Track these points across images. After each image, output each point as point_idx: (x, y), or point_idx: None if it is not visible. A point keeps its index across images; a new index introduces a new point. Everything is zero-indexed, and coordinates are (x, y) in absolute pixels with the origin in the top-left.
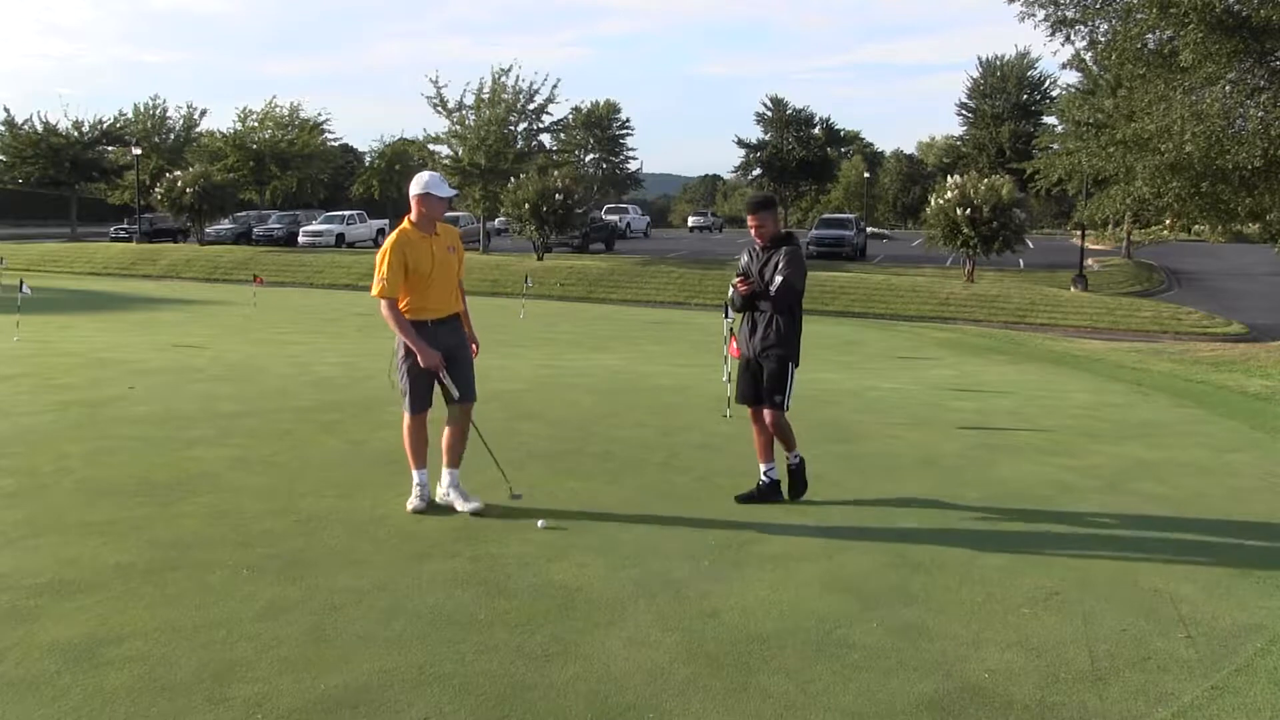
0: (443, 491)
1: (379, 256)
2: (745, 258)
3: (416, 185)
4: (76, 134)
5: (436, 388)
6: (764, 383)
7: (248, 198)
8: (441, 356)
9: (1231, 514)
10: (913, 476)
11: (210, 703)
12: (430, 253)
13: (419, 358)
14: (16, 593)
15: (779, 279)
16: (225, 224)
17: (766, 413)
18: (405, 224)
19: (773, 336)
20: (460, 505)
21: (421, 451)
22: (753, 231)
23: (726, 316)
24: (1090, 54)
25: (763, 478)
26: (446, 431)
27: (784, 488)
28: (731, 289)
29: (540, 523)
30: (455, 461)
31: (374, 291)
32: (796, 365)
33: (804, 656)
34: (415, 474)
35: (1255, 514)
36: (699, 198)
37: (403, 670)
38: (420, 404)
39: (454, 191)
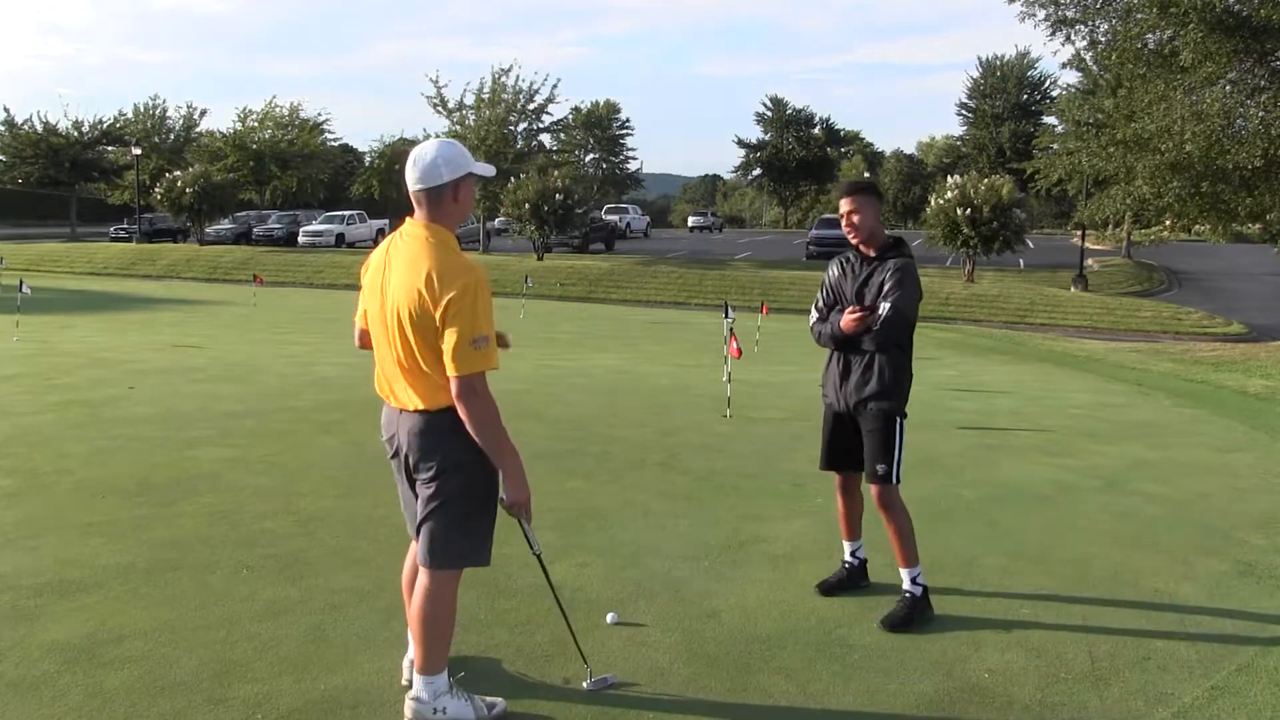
0: (429, 707)
1: (464, 296)
2: (835, 270)
3: (454, 164)
4: (76, 134)
5: None
6: (864, 447)
7: (248, 198)
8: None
9: (1231, 514)
10: (913, 476)
11: (210, 703)
12: None
13: (507, 489)
14: (16, 593)
15: (885, 304)
16: (225, 224)
17: (873, 490)
18: (447, 234)
19: (875, 382)
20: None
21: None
22: (844, 223)
23: (727, 316)
24: (1090, 54)
25: (849, 558)
26: (411, 584)
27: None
28: (816, 316)
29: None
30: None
31: (479, 365)
32: (905, 418)
33: (804, 656)
34: (440, 680)
35: (1255, 514)
36: (699, 198)
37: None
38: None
39: (491, 170)
